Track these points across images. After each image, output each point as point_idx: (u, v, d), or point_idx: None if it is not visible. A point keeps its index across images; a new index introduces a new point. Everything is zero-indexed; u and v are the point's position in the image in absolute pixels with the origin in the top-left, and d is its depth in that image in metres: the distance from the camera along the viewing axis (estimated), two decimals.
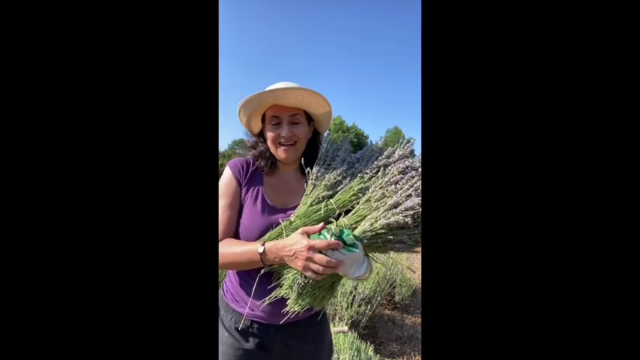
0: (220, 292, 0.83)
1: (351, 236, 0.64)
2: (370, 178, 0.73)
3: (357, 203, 0.71)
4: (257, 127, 0.82)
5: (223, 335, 0.76)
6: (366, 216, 0.68)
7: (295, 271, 0.67)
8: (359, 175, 0.74)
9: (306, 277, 0.65)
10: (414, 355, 2.06)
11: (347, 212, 0.72)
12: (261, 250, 0.66)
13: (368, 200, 0.70)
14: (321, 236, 0.64)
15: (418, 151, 0.76)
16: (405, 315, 2.67)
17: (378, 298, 2.38)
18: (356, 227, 0.67)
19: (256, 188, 0.77)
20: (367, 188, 0.72)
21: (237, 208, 0.76)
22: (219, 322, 0.78)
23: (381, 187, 0.69)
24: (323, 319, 0.82)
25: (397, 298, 2.73)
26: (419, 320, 2.56)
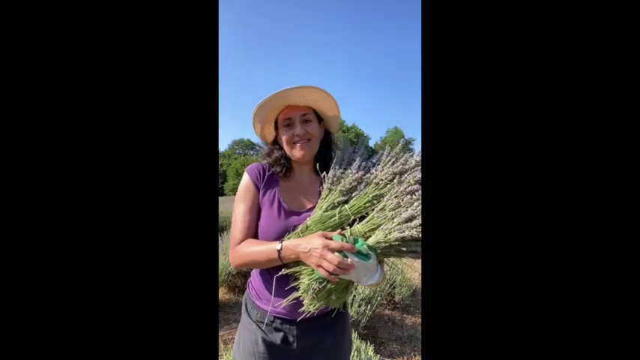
0: (247, 289, 0.89)
1: (365, 246, 0.64)
2: (385, 185, 0.72)
3: (372, 210, 0.71)
4: (270, 134, 0.86)
5: (252, 326, 0.82)
6: (380, 225, 0.67)
7: (311, 277, 0.69)
8: (374, 181, 0.73)
9: (320, 282, 0.67)
10: (414, 355, 2.06)
11: (361, 219, 0.72)
12: (278, 247, 0.71)
13: (383, 209, 0.69)
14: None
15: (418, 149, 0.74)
16: (405, 315, 2.67)
17: (378, 298, 2.38)
18: (369, 235, 0.67)
19: (273, 192, 0.81)
20: (382, 195, 0.71)
21: (257, 212, 0.81)
22: (247, 314, 0.84)
23: (396, 196, 0.68)
24: (341, 313, 0.86)
25: (397, 298, 2.73)
26: (419, 320, 2.56)
